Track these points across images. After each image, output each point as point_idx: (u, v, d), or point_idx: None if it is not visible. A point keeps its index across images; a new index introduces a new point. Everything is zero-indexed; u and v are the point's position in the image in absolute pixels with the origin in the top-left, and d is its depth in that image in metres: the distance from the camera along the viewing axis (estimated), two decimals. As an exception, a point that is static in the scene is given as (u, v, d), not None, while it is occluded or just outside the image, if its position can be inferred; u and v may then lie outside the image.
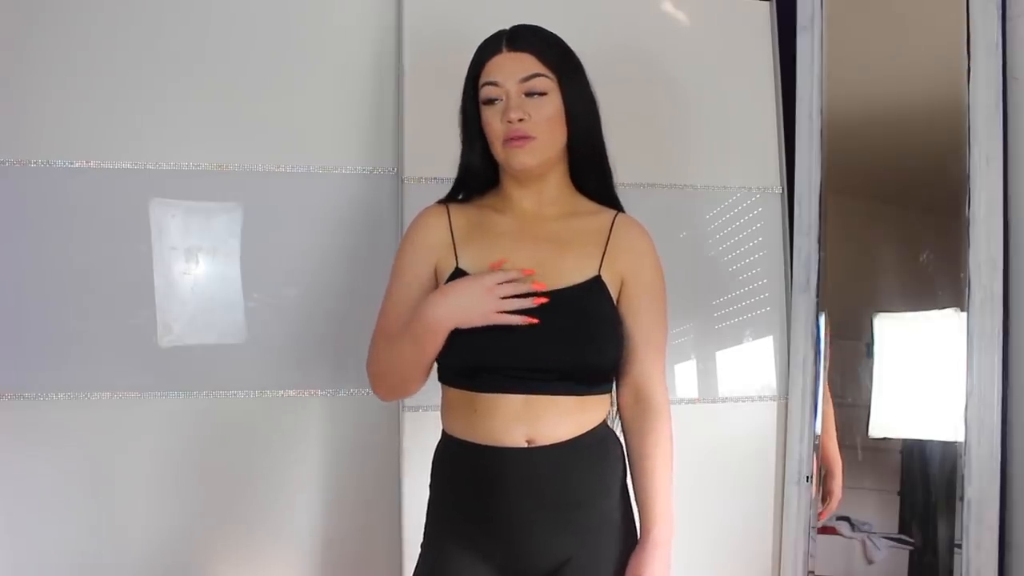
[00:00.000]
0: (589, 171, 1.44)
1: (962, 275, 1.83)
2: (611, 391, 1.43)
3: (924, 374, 2.01)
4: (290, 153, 1.93)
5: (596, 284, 1.36)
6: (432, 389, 1.44)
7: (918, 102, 2.00)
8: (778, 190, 2.16)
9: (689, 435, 2.11)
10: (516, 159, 1.35)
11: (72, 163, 1.83)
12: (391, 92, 1.97)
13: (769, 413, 2.13)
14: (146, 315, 1.85)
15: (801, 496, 2.07)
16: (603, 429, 1.39)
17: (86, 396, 1.82)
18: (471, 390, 1.33)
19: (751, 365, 2.14)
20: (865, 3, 2.15)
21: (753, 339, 2.15)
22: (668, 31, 2.12)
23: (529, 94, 1.34)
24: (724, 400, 2.12)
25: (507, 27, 1.42)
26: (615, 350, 1.36)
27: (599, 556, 1.34)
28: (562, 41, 1.41)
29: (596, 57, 2.06)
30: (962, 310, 1.84)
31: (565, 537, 1.31)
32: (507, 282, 1.29)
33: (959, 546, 1.81)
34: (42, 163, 1.82)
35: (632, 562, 1.35)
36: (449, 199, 1.46)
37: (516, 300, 1.28)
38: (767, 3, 2.18)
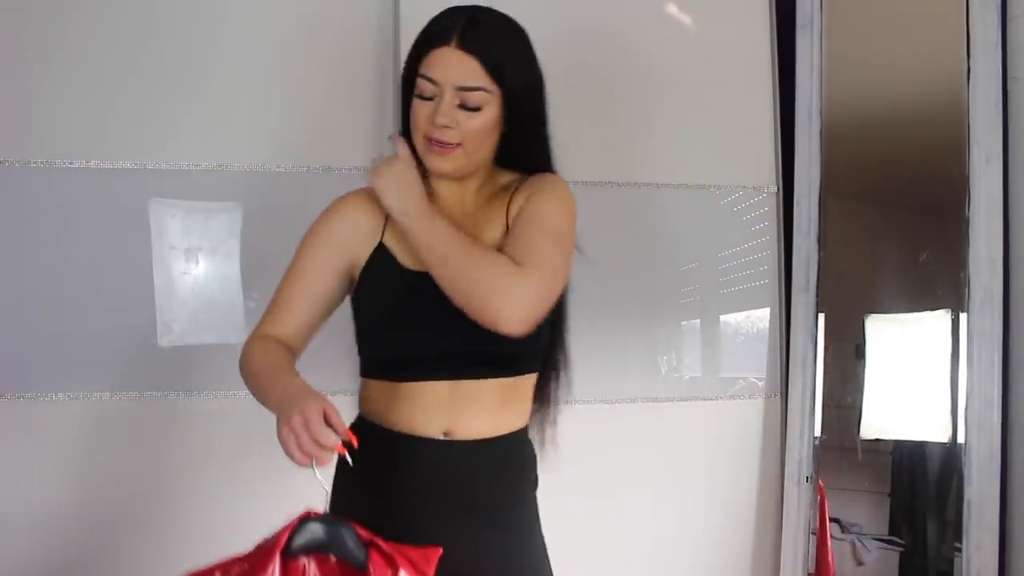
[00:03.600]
0: (522, 157, 1.34)
1: (962, 275, 1.83)
2: (531, 393, 1.34)
3: (917, 375, 2.01)
4: (290, 153, 1.93)
5: None
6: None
7: (918, 102, 2.00)
8: (773, 189, 2.16)
9: (686, 434, 2.12)
10: (432, 163, 1.27)
11: (72, 163, 1.83)
12: (391, 91, 1.97)
13: (766, 412, 2.14)
14: (146, 315, 1.85)
15: (801, 496, 2.07)
16: (522, 435, 1.33)
17: (86, 396, 1.82)
18: (395, 380, 1.27)
19: (748, 364, 2.15)
20: (865, 2, 2.15)
21: (750, 338, 2.15)
22: (667, 29, 2.12)
23: (463, 105, 1.23)
24: (720, 399, 2.12)
25: (466, 3, 1.28)
26: (540, 339, 1.27)
27: (497, 563, 1.26)
28: (516, 33, 1.29)
29: (594, 56, 2.07)
30: (962, 310, 1.84)
31: (466, 538, 1.23)
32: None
33: (959, 548, 1.81)
34: (42, 163, 1.82)
35: None
36: None
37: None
38: (766, 1, 2.18)
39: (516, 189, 1.31)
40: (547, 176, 1.32)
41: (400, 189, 1.23)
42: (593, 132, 2.08)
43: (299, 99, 1.95)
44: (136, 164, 1.86)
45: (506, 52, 1.25)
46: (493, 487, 1.28)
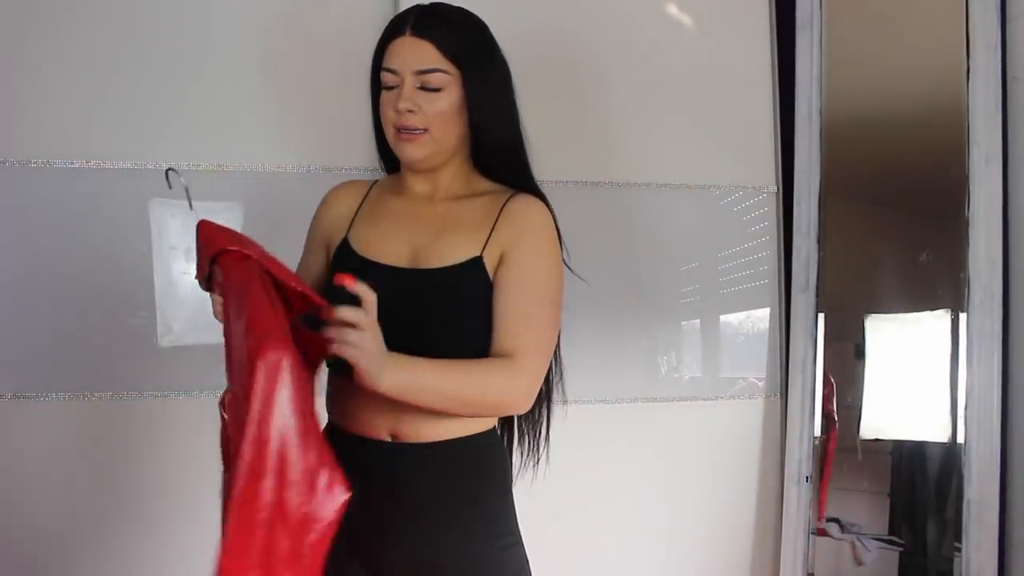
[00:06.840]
0: (495, 158, 1.36)
1: (962, 275, 1.83)
2: None
3: (916, 375, 2.01)
4: (290, 153, 1.93)
5: (472, 265, 1.27)
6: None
7: (918, 102, 2.00)
8: (773, 189, 2.16)
9: (686, 434, 2.12)
10: (404, 151, 1.30)
11: (72, 163, 1.83)
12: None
13: (766, 412, 2.14)
14: (146, 315, 1.85)
15: (801, 496, 2.07)
16: (484, 439, 1.30)
17: (86, 396, 1.82)
18: (340, 374, 1.23)
19: (748, 364, 2.15)
20: (865, 2, 2.15)
21: (750, 338, 2.15)
22: (667, 29, 2.12)
23: (423, 88, 1.27)
24: (720, 399, 2.12)
25: (422, 2, 1.33)
26: (480, 339, 1.26)
27: (457, 568, 1.27)
28: (474, 24, 1.33)
29: (594, 56, 2.08)
30: (962, 310, 1.84)
31: (423, 542, 1.25)
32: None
33: (959, 548, 1.81)
34: (42, 163, 1.82)
35: None
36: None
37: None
38: (766, 1, 2.18)
39: (502, 209, 1.30)
40: (532, 208, 1.32)
41: (371, 361, 1.12)
42: (593, 132, 2.08)
43: (298, 99, 1.95)
44: (136, 164, 1.86)
45: (460, 34, 1.29)
46: (446, 491, 1.27)
